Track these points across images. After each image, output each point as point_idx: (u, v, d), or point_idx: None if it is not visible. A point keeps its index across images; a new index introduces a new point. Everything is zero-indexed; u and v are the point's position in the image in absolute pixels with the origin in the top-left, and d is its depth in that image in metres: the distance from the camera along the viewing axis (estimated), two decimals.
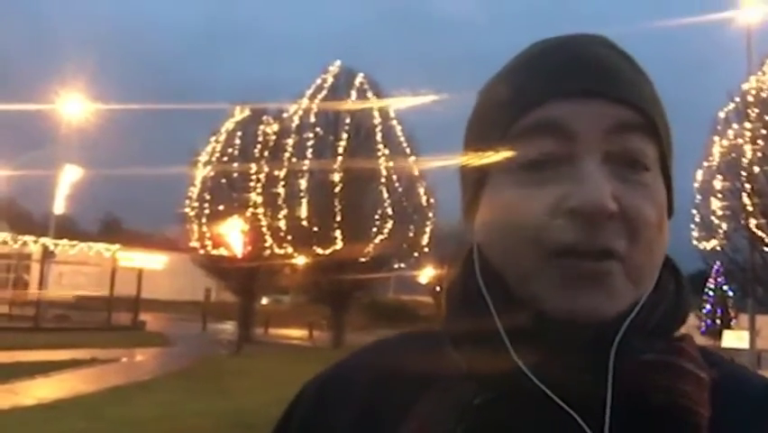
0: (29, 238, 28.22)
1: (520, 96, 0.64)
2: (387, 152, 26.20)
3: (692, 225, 24.61)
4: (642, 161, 0.62)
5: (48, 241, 28.52)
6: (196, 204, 27.39)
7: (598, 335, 0.58)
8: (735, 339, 24.60)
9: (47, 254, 28.66)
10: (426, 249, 27.23)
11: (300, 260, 25.81)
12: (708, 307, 32.97)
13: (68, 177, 27.65)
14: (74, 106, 27.29)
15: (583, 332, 0.58)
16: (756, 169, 22.60)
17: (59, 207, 28.49)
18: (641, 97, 0.63)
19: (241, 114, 27.66)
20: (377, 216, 26.00)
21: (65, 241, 29.00)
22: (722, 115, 24.32)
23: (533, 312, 0.60)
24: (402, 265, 27.71)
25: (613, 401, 0.57)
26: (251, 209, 25.80)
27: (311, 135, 26.19)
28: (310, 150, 25.98)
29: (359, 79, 26.85)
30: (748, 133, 22.79)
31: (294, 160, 25.74)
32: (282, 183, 25.77)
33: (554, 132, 0.61)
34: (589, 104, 0.61)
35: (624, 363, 0.58)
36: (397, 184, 26.68)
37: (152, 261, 30.78)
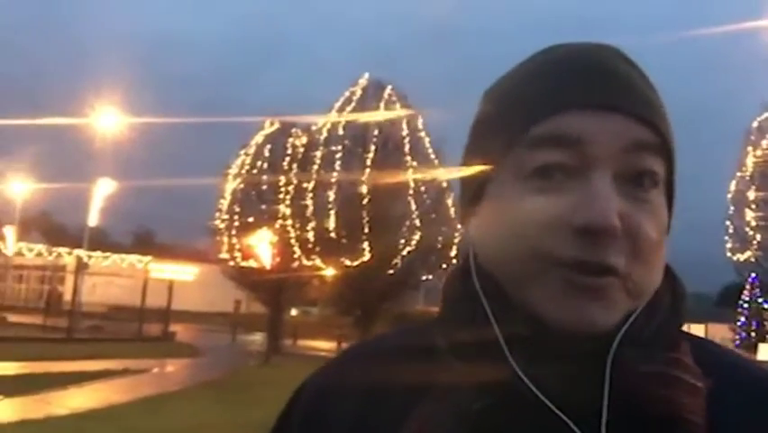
0: (63, 250, 28.78)
1: (536, 103, 0.63)
2: (415, 163, 26.22)
3: (726, 237, 24.20)
4: (651, 179, 0.62)
5: (82, 253, 29.01)
6: (225, 216, 27.64)
7: (594, 345, 0.59)
8: None
9: (81, 266, 29.14)
10: (455, 260, 27.04)
11: (329, 271, 25.88)
12: (743, 319, 32.30)
13: (102, 190, 28.11)
14: (108, 120, 27.76)
15: (580, 342, 0.59)
16: None
17: (92, 219, 28.95)
18: (657, 116, 0.63)
19: (270, 127, 27.92)
20: (405, 228, 25.98)
21: (98, 253, 29.52)
22: (755, 124, 23.94)
23: (530, 320, 0.60)
24: (430, 277, 27.62)
25: (609, 412, 0.58)
26: (279, 221, 25.95)
27: (339, 147, 26.31)
28: (338, 162, 26.10)
29: (387, 92, 26.95)
30: None
31: (322, 172, 25.87)
32: (311, 195, 25.91)
33: (570, 143, 0.61)
34: (607, 119, 0.61)
35: (620, 374, 0.58)
36: (425, 196, 26.66)
37: (183, 272, 31.13)
